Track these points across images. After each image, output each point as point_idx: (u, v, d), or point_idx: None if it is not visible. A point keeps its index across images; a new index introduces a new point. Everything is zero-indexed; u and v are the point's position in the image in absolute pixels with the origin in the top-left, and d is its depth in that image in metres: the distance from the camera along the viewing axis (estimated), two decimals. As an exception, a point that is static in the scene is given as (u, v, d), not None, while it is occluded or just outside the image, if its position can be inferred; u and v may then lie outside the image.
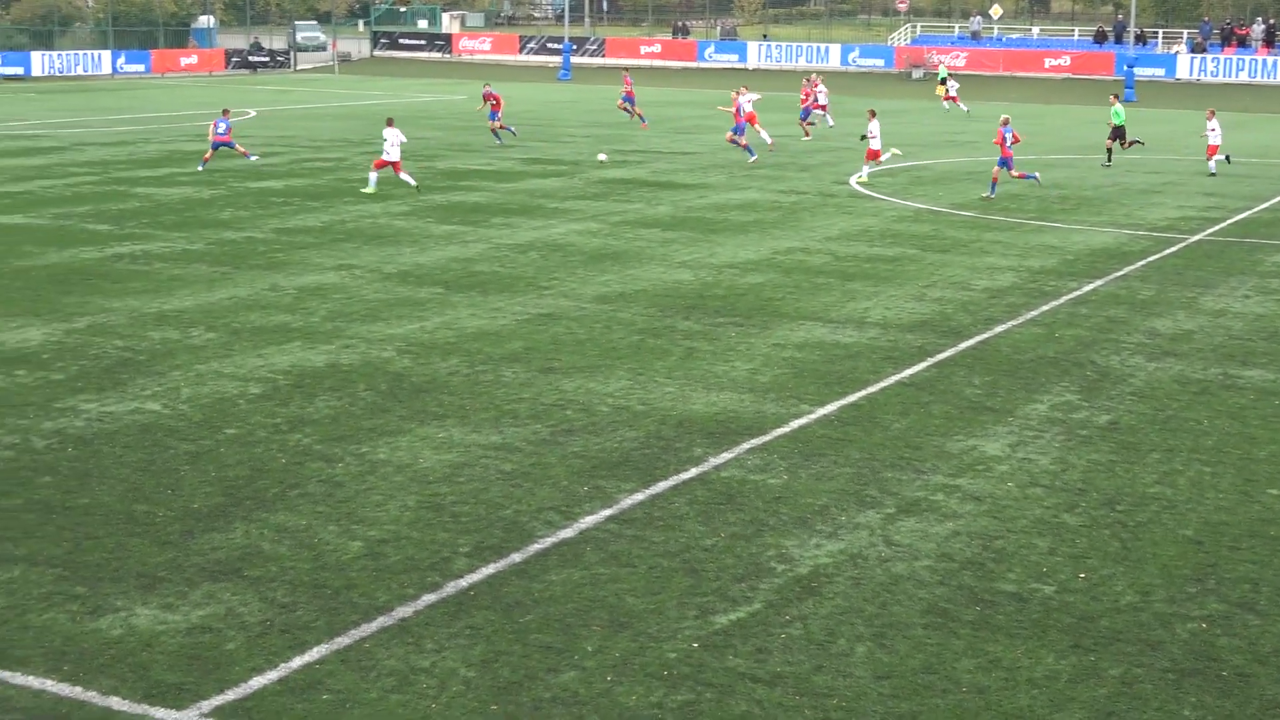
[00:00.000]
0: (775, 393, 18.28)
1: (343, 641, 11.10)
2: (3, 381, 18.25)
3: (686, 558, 12.83)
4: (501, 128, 49.76)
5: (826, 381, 18.87)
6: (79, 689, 10.30)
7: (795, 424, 16.97)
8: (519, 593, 12.02)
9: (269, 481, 14.65)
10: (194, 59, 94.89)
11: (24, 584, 12.04)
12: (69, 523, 13.44)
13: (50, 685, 10.35)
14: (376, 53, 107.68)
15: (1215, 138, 42.35)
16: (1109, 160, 44.99)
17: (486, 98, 50.02)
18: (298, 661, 10.76)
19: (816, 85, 55.47)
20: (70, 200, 34.49)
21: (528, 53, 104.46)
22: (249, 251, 27.83)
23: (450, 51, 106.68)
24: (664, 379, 18.83)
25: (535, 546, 13.03)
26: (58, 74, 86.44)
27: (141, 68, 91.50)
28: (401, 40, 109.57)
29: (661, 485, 14.75)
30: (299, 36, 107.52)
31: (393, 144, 36.03)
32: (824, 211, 34.45)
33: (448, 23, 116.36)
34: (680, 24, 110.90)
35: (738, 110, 45.48)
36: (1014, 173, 36.99)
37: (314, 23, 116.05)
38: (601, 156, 44.10)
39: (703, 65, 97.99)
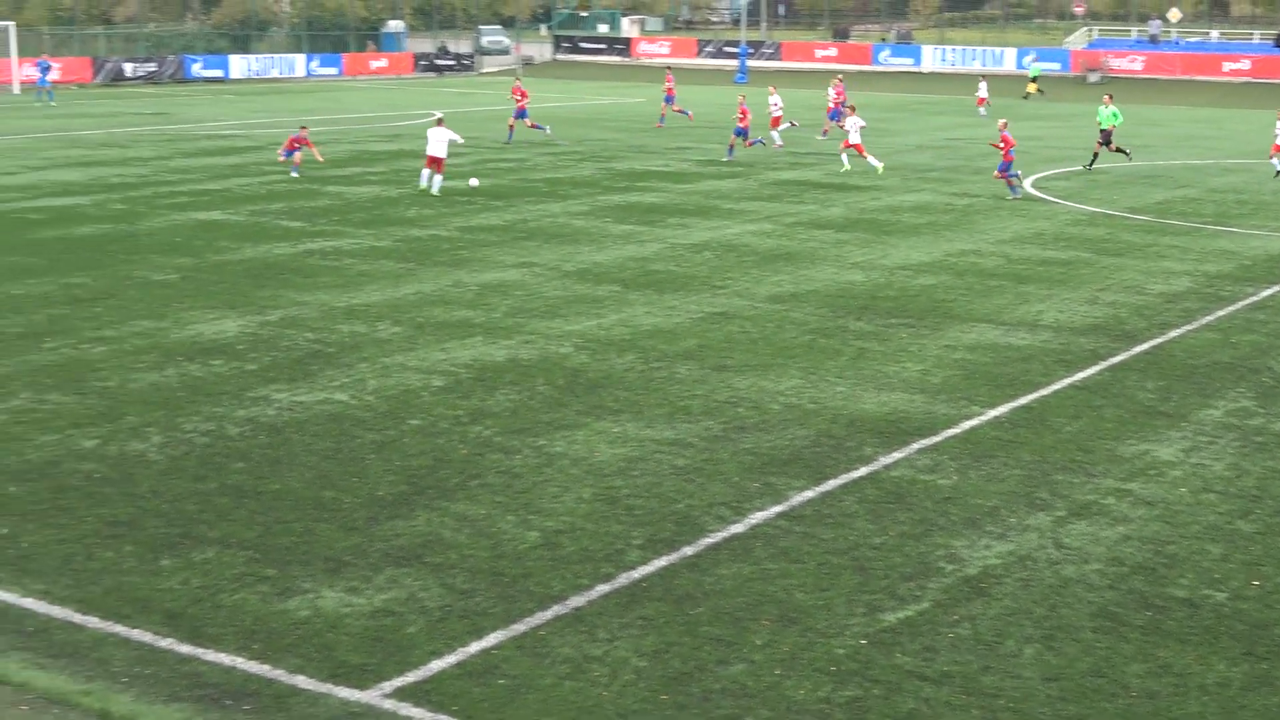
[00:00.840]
0: (946, 394, 18.08)
1: (519, 628, 11.21)
2: (200, 371, 18.74)
3: (855, 555, 12.75)
4: (533, 125, 49.82)
5: (998, 383, 18.62)
6: (267, 667, 10.54)
7: (966, 425, 16.77)
8: (690, 585, 12.05)
9: (450, 471, 14.85)
10: (384, 62, 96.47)
11: (217, 565, 12.36)
12: (260, 507, 13.76)
13: (240, 663, 10.60)
14: (558, 56, 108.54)
15: None
16: (1090, 164, 42.89)
17: (514, 92, 50.58)
18: (475, 646, 10.90)
19: (840, 88, 54.93)
20: (265, 198, 35.29)
21: (705, 56, 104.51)
22: (434, 249, 28.24)
23: (629, 55, 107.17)
24: (835, 378, 18.73)
25: (706, 540, 13.04)
26: (255, 76, 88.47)
27: (333, 71, 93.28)
28: (582, 44, 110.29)
29: (831, 483, 14.67)
30: (484, 41, 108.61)
31: (437, 142, 35.84)
32: (997, 214, 33.97)
33: (627, 27, 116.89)
34: (841, 28, 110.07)
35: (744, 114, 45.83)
36: (996, 173, 37.19)
37: (498, 27, 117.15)
38: (473, 182, 37.99)
39: (877, 69, 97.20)
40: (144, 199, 34.87)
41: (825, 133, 52.76)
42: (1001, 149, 36.34)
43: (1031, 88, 76.12)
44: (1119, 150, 43.23)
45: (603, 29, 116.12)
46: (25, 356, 19.34)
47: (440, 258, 27.25)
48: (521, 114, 50.28)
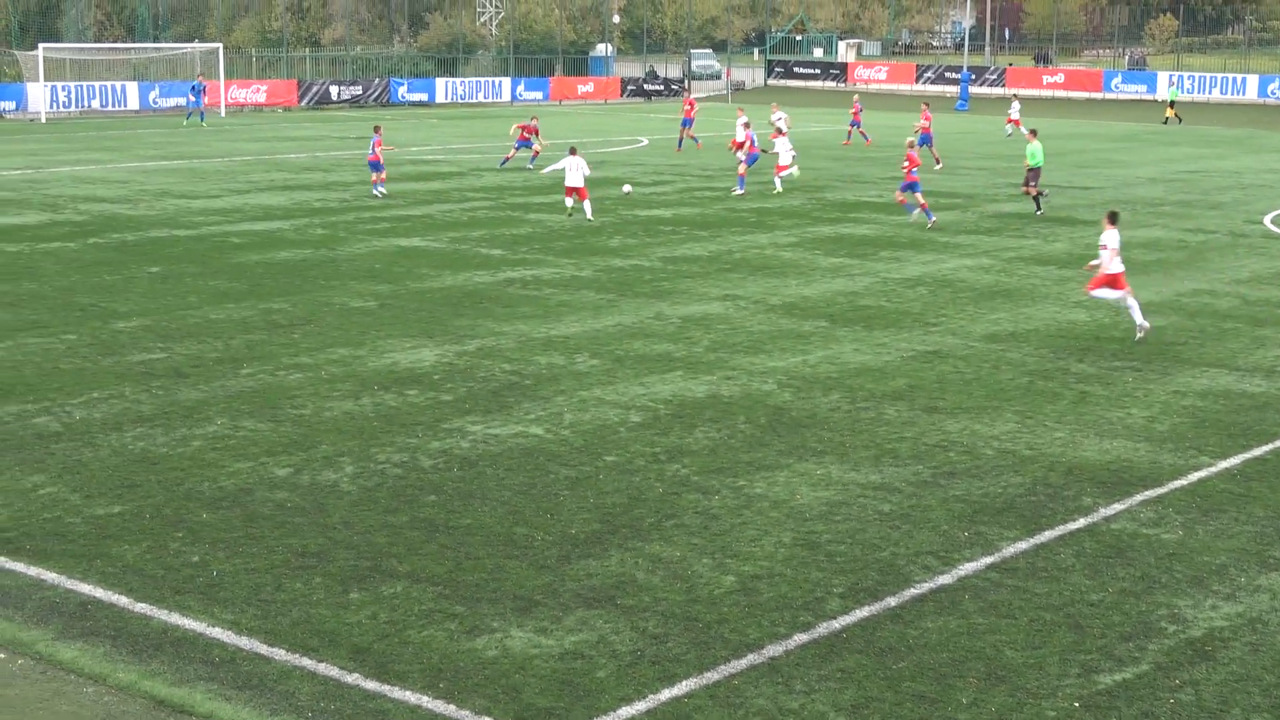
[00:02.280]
0: (1173, 443, 17.64)
1: (712, 677, 11.19)
2: (395, 400, 19.10)
3: (1070, 612, 12.48)
4: (537, 153, 50.12)
5: (1230, 433, 18.11)
6: (453, 707, 10.67)
7: (1194, 476, 16.33)
8: (893, 638, 11.91)
9: (646, 510, 14.91)
10: (590, 86, 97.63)
11: (406, 600, 12.56)
12: (451, 542, 13.96)
13: (426, 701, 10.75)
14: (770, 81, 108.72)
15: None
16: (1039, 208, 39.19)
17: (526, 129, 50.97)
18: (666, 694, 10.90)
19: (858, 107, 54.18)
20: (466, 224, 35.90)
21: (924, 82, 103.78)
22: (635, 279, 28.44)
23: (845, 80, 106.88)
24: (1054, 423, 18.39)
25: (912, 591, 12.88)
26: (460, 100, 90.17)
27: (540, 95, 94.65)
28: (796, 68, 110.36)
29: (1047, 534, 14.39)
30: (694, 65, 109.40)
31: (574, 172, 36.46)
32: (1234, 252, 33.10)
33: (843, 51, 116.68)
34: (1041, 52, 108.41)
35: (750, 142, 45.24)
36: (900, 196, 37.50)
37: (709, 51, 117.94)
38: (626, 188, 42.73)
39: (1109, 96, 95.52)
40: (345, 224, 35.74)
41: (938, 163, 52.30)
42: (906, 169, 36.69)
43: (1170, 112, 77.50)
44: (1037, 194, 39.25)
45: (818, 53, 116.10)
46: (222, 382, 19.93)
47: (642, 289, 27.43)
48: (523, 144, 50.81)
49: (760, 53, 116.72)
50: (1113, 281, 23.21)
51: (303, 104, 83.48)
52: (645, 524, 14.52)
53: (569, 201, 37.14)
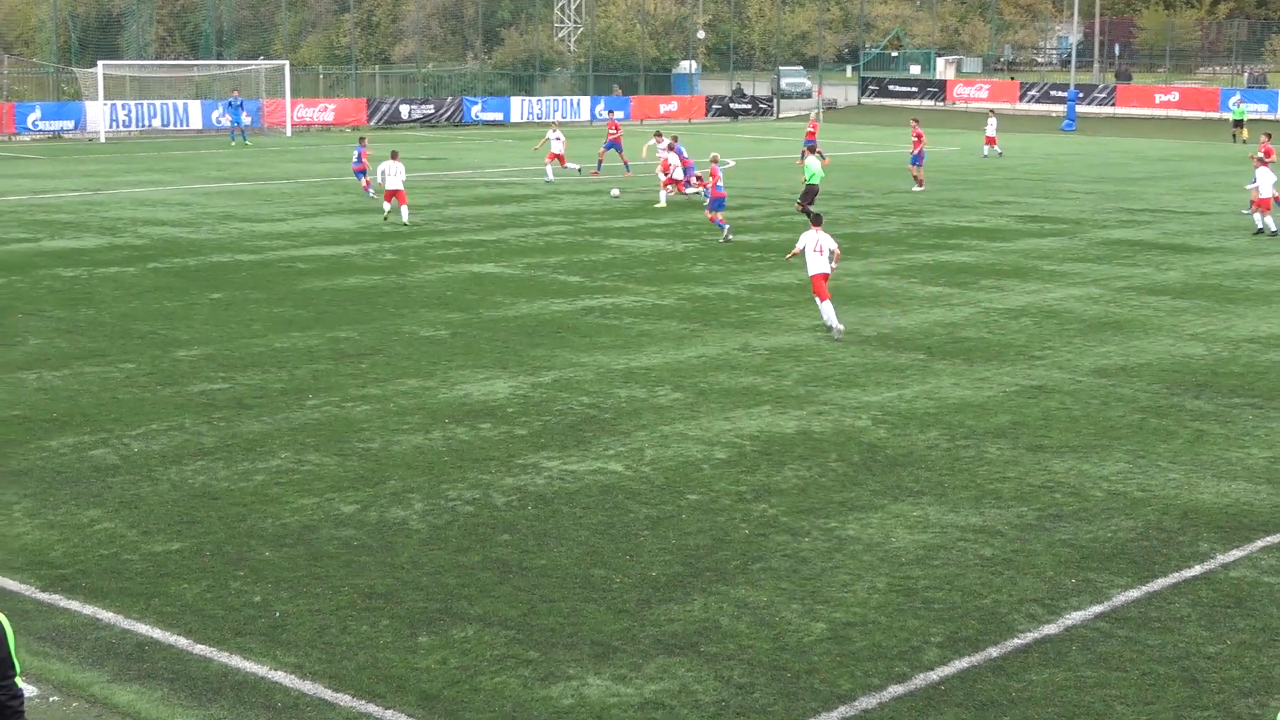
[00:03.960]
0: (1297, 485, 17.42)
1: (800, 730, 11.13)
2: (467, 435, 19.19)
3: (1186, 665, 12.34)
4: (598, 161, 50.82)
5: (1359, 475, 17.86)
6: (527, 758, 10.68)
7: (1320, 522, 16.11)
8: (994, 691, 11.81)
9: (730, 553, 14.88)
10: (674, 105, 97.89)
11: (478, 644, 12.59)
12: (525, 584, 13.99)
13: (499, 751, 10.76)
14: (864, 100, 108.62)
15: None
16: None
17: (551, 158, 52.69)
18: (752, 747, 10.86)
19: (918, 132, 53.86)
20: (542, 250, 36.07)
21: (1028, 101, 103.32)
22: (721, 308, 28.45)
23: (944, 99, 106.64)
24: (1168, 464, 18.21)
25: (1015, 641, 12.78)
26: (536, 119, 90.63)
27: (620, 114, 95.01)
28: (891, 86, 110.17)
29: (1160, 582, 14.24)
30: (783, 83, 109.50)
31: (393, 174, 40.19)
32: (1363, 282, 32.70)
33: (942, 68, 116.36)
34: (1122, 69, 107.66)
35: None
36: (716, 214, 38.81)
37: (799, 68, 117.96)
38: (615, 192, 45.54)
39: (1226, 116, 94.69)
40: (415, 249, 36.00)
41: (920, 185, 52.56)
42: (709, 184, 39.00)
43: (1242, 133, 78.47)
44: (805, 210, 39.08)
45: (914, 70, 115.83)
46: (287, 414, 20.10)
47: (727, 318, 27.43)
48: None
49: (853, 70, 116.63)
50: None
51: (372, 123, 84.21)
52: (730, 567, 14.49)
53: (387, 206, 41.12)
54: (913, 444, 18.98)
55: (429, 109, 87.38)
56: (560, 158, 53.17)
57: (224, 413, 20.13)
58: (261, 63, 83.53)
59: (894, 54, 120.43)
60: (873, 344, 25.28)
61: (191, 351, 23.99)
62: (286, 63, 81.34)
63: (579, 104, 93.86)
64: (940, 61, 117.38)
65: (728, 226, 38.56)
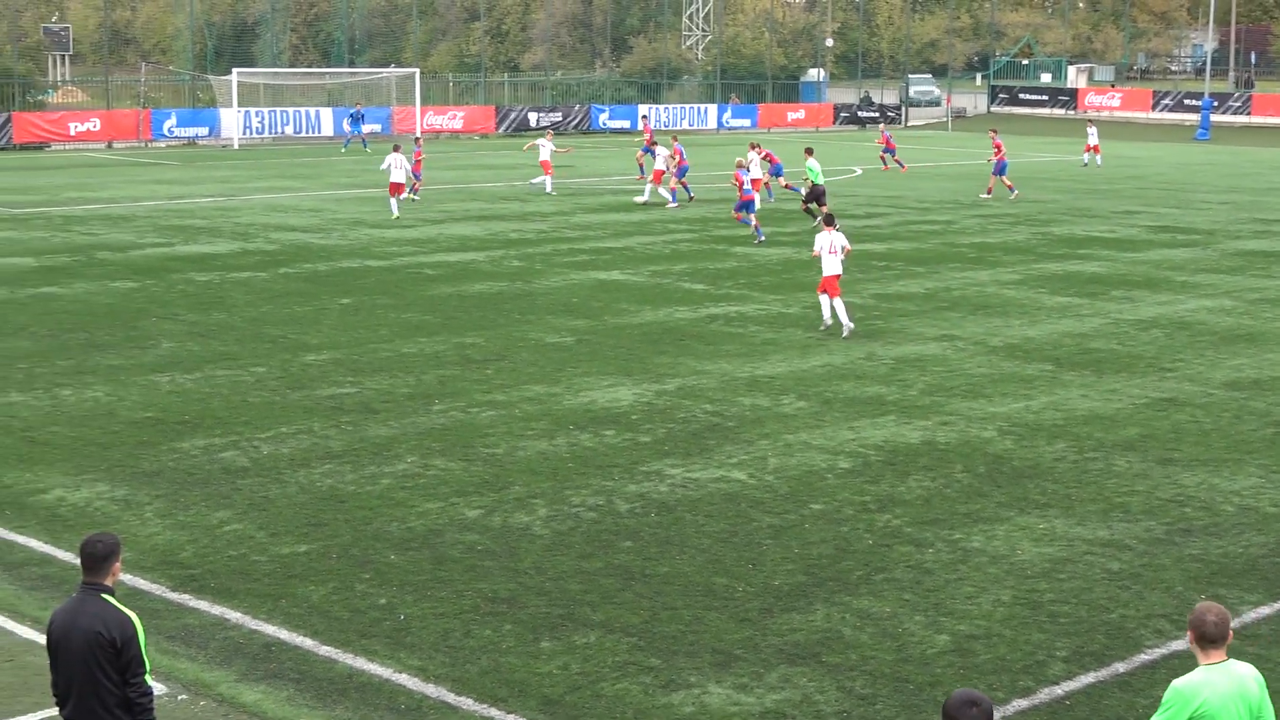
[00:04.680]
0: None
1: (922, 742, 11.05)
2: (591, 441, 19.25)
3: (1318, 685, 12.10)
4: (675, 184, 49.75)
5: None
6: (647, 765, 10.69)
7: None
8: (1121, 707, 11.66)
9: (854, 563, 14.81)
10: (801, 114, 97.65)
11: (599, 651, 12.63)
12: (647, 591, 14.01)
13: (619, 758, 10.78)
14: (994, 108, 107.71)
15: None
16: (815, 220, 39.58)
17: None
18: (873, 759, 10.80)
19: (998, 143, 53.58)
20: (668, 258, 36.11)
21: (1161, 110, 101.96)
22: (846, 317, 28.31)
23: (1075, 108, 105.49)
24: (1302, 479, 17.89)
25: (1142, 657, 12.61)
26: (663, 128, 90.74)
27: (747, 122, 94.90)
28: (1021, 95, 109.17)
29: (1293, 600, 14.00)
30: (911, 91, 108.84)
31: (397, 168, 43.12)
32: None
33: (1073, 76, 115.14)
34: (1243, 76, 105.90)
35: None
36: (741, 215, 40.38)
37: (928, 76, 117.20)
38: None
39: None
40: (542, 256, 36.18)
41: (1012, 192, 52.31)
42: (737, 187, 40.63)
43: None
44: (809, 210, 42.77)
45: (1045, 78, 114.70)
46: (414, 418, 20.27)
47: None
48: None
49: (983, 78, 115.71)
50: None
51: (500, 131, 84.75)
52: (853, 577, 14.43)
53: (395, 200, 43.80)
54: (1039, 456, 18.79)
55: (557, 117, 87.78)
56: (546, 164, 52.55)
57: (352, 417, 20.34)
58: (392, 71, 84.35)
59: (1025, 62, 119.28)
60: (1000, 354, 25.06)
61: (320, 356, 24.27)
62: (417, 71, 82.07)
63: (705, 112, 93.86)
64: (1072, 70, 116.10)
65: (763, 234, 39.54)
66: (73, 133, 71.81)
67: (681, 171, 49.35)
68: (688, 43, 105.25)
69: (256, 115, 77.34)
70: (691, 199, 49.11)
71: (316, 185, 54.32)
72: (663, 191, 48.49)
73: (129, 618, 8.74)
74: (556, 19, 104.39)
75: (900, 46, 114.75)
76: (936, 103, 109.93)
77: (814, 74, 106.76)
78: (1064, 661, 12.51)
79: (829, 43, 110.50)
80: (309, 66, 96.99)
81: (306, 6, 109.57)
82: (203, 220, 42.84)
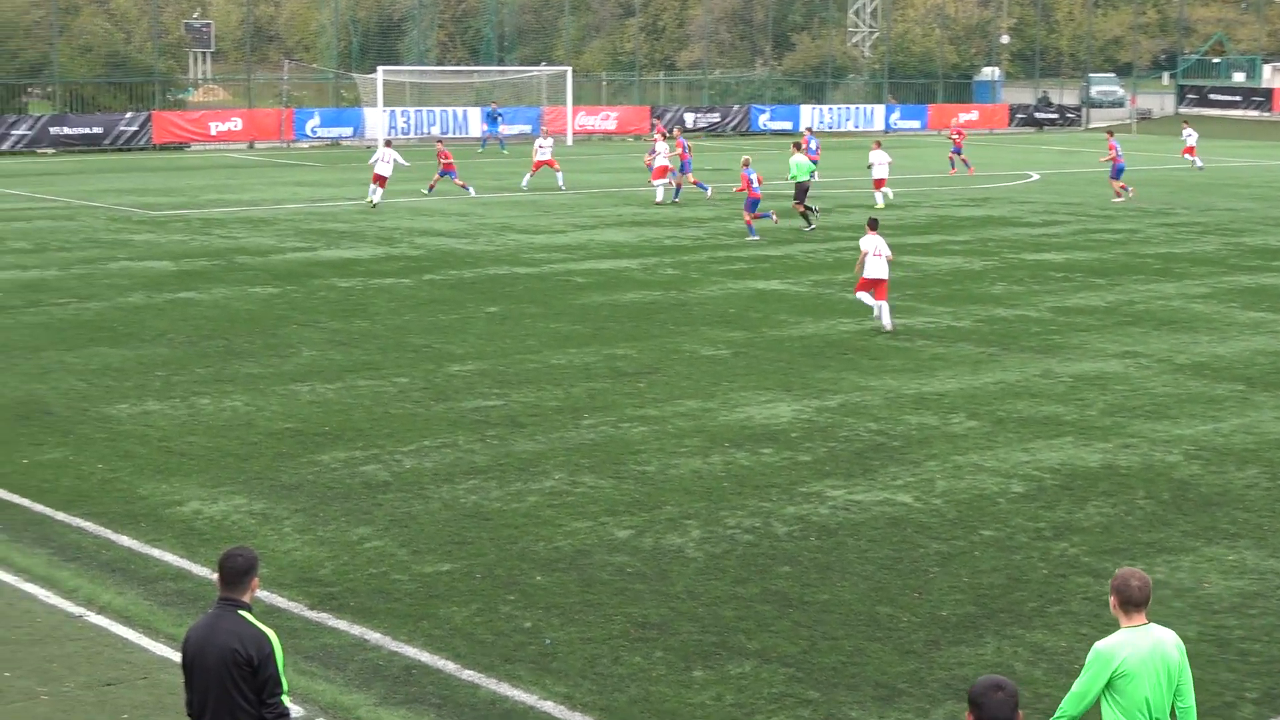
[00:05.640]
0: None
1: (1100, 787, 10.89)
2: (748, 460, 19.22)
3: None
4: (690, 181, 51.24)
5: None
6: (804, 803, 10.64)
7: None
8: (1316, 754, 11.41)
9: (1027, 593, 14.65)
10: (974, 114, 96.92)
11: (755, 681, 12.60)
12: (806, 619, 13.95)
13: (775, 795, 10.75)
14: (1181, 109, 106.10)
15: None
16: (810, 224, 43.23)
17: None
18: (1046, 803, 10.66)
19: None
20: (831, 267, 35.98)
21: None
22: (1020, 331, 28.05)
23: (1270, 109, 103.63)
24: None
25: (1340, 701, 12.34)
26: (827, 129, 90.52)
27: (916, 124, 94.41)
28: (1212, 95, 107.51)
29: None
30: (1093, 91, 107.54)
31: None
32: None
33: (1269, 75, 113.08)
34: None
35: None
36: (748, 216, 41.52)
37: (1111, 75, 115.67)
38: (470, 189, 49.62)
39: None
40: (698, 264, 36.23)
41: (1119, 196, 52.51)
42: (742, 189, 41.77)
43: None
44: (808, 210, 43.71)
45: (1238, 78, 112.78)
46: (562, 433, 20.38)
47: (1028, 342, 27.03)
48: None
49: (1170, 77, 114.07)
50: None
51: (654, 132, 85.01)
52: (1026, 608, 14.27)
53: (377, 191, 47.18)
54: (1229, 482, 18.46)
55: (715, 117, 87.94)
56: (543, 165, 54.23)
57: (497, 430, 20.50)
58: (543, 69, 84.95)
59: (1215, 60, 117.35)
60: (1186, 372, 24.66)
61: (465, 366, 24.49)
62: (569, 69, 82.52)
63: (872, 113, 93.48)
64: (1267, 68, 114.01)
65: (773, 214, 42.41)
66: (213, 132, 73.25)
67: (685, 166, 51.24)
68: (853, 40, 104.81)
69: (402, 115, 78.23)
70: (709, 195, 50.96)
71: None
72: (659, 190, 50.54)
73: (266, 635, 8.86)
74: (715, 15, 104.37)
75: (1081, 44, 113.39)
76: (1120, 103, 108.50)
77: (988, 73, 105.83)
78: (1254, 703, 12.28)
79: (1004, 39, 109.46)
80: (457, 64, 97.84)
81: (455, 2, 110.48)
82: (346, 224, 43.44)
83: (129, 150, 69.96)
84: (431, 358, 25.14)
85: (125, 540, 16.11)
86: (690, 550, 15.83)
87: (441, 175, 51.40)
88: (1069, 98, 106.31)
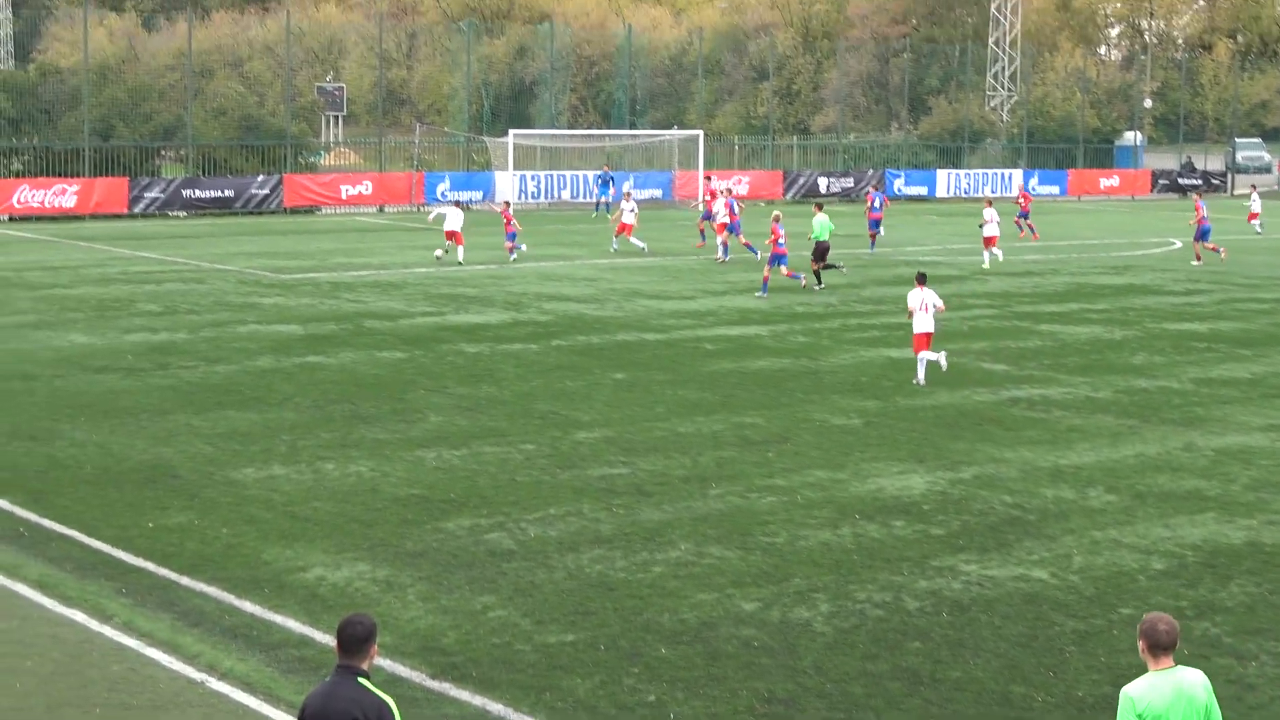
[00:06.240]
0: None
1: None
2: (878, 532, 19.10)
3: None
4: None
5: None
6: None
7: None
8: None
9: (1167, 675, 14.40)
10: (1115, 180, 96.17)
11: (883, 760, 12.47)
12: (937, 697, 13.81)
13: None
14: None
15: None
16: (819, 283, 44.88)
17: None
18: None
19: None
20: (966, 335, 35.77)
21: None
22: (1161, 403, 27.70)
23: None
24: None
25: None
26: (963, 194, 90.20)
27: (1055, 189, 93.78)
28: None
29: None
30: (1239, 156, 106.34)
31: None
32: None
33: None
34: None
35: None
36: (784, 269, 43.42)
37: (1258, 140, 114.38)
38: (438, 253, 50.95)
39: None
40: (830, 331, 36.15)
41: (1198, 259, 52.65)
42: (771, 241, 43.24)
43: None
44: (823, 268, 45.32)
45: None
46: (689, 502, 20.36)
47: (1169, 414, 26.68)
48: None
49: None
50: None
51: (788, 196, 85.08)
52: (1166, 690, 14.03)
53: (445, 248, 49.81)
54: (1380, 562, 18.10)
55: (848, 182, 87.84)
56: (628, 229, 55.26)
57: (623, 499, 20.51)
58: (675, 133, 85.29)
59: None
60: (1336, 448, 24.25)
61: (592, 433, 24.55)
62: (701, 133, 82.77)
63: (1009, 178, 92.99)
64: None
65: (801, 276, 44.36)
66: (344, 196, 74.17)
67: (734, 227, 52.44)
68: (991, 103, 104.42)
69: (532, 179, 78.84)
70: (759, 258, 50.54)
71: (592, 253, 55.15)
72: (721, 246, 52.21)
73: (386, 703, 8.90)
74: (850, 78, 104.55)
75: (1227, 108, 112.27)
76: (1267, 169, 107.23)
77: (1130, 137, 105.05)
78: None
79: (1147, 104, 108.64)
80: (588, 128, 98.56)
81: (587, 66, 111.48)
82: (474, 288, 43.78)
83: (260, 213, 71.01)
84: (558, 424, 25.23)
85: (248, 606, 16.27)
86: (818, 624, 15.73)
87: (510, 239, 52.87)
88: (1214, 163, 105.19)
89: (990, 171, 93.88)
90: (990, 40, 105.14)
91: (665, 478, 21.72)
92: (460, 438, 24.16)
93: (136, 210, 68.60)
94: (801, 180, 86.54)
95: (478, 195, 77.44)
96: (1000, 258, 50.96)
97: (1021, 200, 64.21)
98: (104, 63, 78.62)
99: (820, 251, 45.25)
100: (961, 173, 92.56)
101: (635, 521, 19.44)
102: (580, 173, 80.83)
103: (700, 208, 55.54)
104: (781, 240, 43.25)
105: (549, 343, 33.98)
